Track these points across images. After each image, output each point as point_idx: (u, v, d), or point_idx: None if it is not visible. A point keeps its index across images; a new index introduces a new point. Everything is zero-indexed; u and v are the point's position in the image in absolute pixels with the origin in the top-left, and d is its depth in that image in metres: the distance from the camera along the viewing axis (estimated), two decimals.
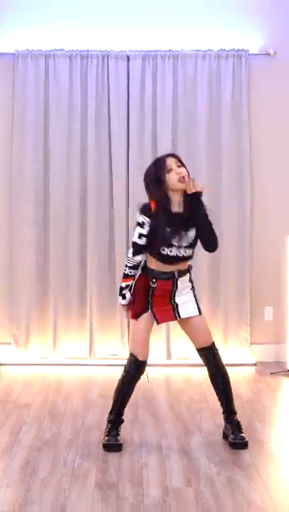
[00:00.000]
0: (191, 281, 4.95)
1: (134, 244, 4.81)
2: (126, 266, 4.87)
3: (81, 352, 7.14)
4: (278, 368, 6.92)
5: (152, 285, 4.83)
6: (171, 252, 4.76)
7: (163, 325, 6.88)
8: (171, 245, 4.75)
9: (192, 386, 6.37)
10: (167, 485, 4.27)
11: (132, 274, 4.86)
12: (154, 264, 4.83)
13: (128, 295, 4.87)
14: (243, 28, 7.07)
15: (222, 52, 6.96)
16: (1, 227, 7.16)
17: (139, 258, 4.83)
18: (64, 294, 7.11)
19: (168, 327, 7.01)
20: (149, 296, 4.85)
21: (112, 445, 4.86)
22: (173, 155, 4.89)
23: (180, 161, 4.83)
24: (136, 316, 4.89)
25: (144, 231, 4.76)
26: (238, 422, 4.94)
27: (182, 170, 4.77)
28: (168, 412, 5.69)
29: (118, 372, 5.02)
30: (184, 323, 4.95)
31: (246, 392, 6.22)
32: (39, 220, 7.08)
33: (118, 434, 4.93)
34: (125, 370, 4.98)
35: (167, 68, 6.96)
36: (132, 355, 4.94)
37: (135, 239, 4.80)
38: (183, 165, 4.81)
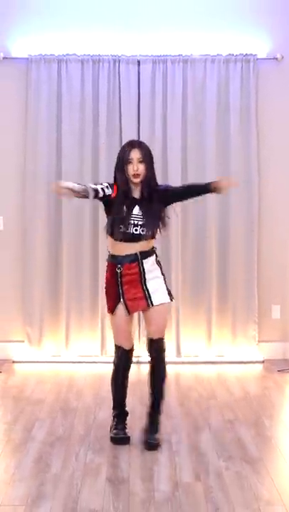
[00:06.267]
0: (159, 265, 4.89)
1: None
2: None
3: (93, 349, 7.17)
4: (285, 365, 6.96)
5: (118, 270, 4.81)
6: (127, 229, 4.77)
7: (172, 323, 7.01)
8: (128, 224, 4.77)
9: (201, 383, 6.41)
10: (177, 480, 4.31)
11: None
12: (116, 249, 4.84)
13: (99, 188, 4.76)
14: (251, 32, 7.10)
15: (230, 57, 6.99)
16: (14, 225, 7.20)
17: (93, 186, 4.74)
18: (76, 292, 7.13)
19: (177, 324, 7.07)
20: (119, 285, 4.84)
21: (121, 438, 4.90)
22: (140, 147, 4.84)
23: (145, 155, 4.80)
24: (110, 309, 4.92)
25: (107, 188, 4.76)
26: (158, 423, 4.94)
27: (140, 167, 4.76)
28: (178, 408, 5.72)
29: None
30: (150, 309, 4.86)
31: (254, 389, 6.28)
32: (51, 218, 7.11)
33: (125, 428, 4.97)
34: (114, 363, 5.00)
35: (177, 72, 6.98)
36: (117, 347, 4.97)
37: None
38: (145, 160, 4.78)
